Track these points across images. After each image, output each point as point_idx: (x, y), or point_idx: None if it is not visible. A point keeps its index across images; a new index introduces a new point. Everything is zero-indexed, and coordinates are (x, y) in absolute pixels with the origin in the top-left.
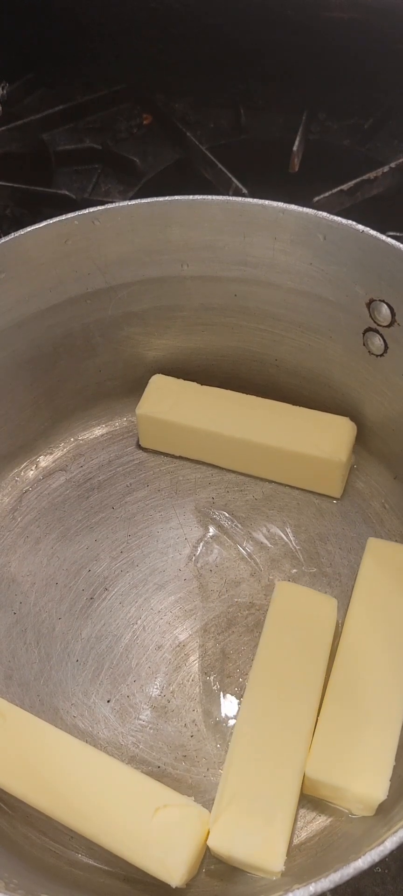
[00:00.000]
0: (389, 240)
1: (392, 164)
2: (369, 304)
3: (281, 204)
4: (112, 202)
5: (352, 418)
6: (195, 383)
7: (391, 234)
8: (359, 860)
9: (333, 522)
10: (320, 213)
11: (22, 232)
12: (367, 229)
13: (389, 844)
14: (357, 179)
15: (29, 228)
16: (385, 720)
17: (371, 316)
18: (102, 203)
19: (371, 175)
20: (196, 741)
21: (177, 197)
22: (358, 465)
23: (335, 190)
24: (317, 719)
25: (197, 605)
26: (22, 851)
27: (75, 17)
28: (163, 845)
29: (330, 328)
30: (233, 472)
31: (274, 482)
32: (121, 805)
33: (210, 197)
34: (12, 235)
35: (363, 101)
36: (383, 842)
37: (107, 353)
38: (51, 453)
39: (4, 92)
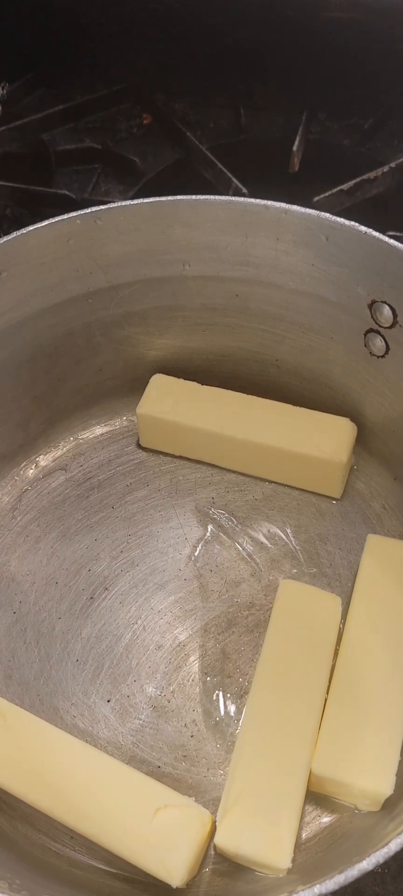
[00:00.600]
0: (391, 241)
1: (392, 164)
2: (371, 305)
3: (283, 205)
4: (112, 202)
5: (353, 419)
6: (195, 383)
7: (391, 233)
8: (363, 862)
9: (333, 523)
10: (322, 213)
11: (24, 231)
12: (370, 230)
13: (394, 846)
14: (357, 179)
15: (31, 228)
16: (389, 715)
17: (372, 317)
18: (102, 203)
19: (371, 175)
20: (196, 741)
21: (179, 197)
22: (358, 466)
23: (335, 190)
24: (322, 716)
25: (197, 605)
26: (22, 851)
27: (75, 17)
28: (163, 845)
29: (332, 329)
30: (233, 472)
31: (274, 482)
32: (122, 805)
33: (212, 197)
34: (14, 234)
35: (363, 101)
36: (387, 843)
37: (108, 352)
38: (51, 452)
39: (4, 92)
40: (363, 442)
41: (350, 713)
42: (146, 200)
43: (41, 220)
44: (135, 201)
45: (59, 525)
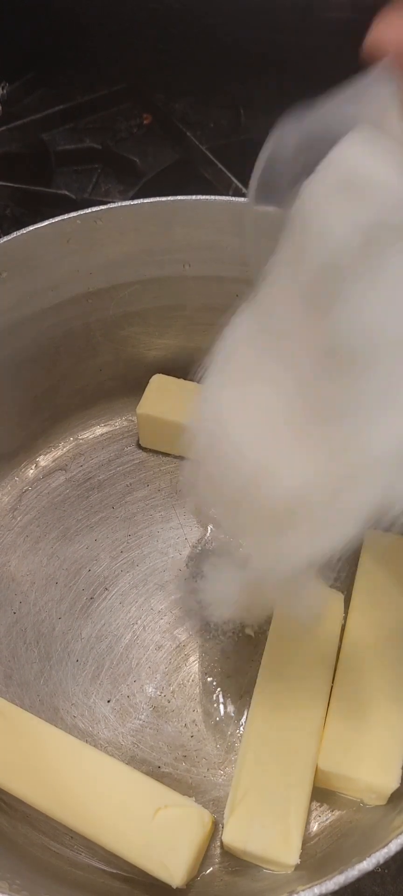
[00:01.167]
0: None
1: None
2: None
3: None
4: (112, 202)
5: None
6: (195, 383)
7: None
8: (363, 862)
9: None
10: None
11: (24, 231)
12: None
13: (393, 846)
14: None
15: (31, 228)
16: (393, 709)
17: None
18: (102, 203)
19: None
20: (196, 741)
21: (179, 197)
22: None
23: None
24: (327, 711)
25: (197, 605)
26: (22, 851)
27: (75, 17)
28: (163, 846)
29: None
30: None
31: None
32: (122, 805)
33: (213, 197)
34: (14, 234)
35: None
36: (387, 843)
37: (108, 352)
38: (51, 452)
39: (4, 92)
40: None
41: (354, 708)
42: (146, 201)
43: (41, 220)
44: (135, 201)
45: (59, 525)
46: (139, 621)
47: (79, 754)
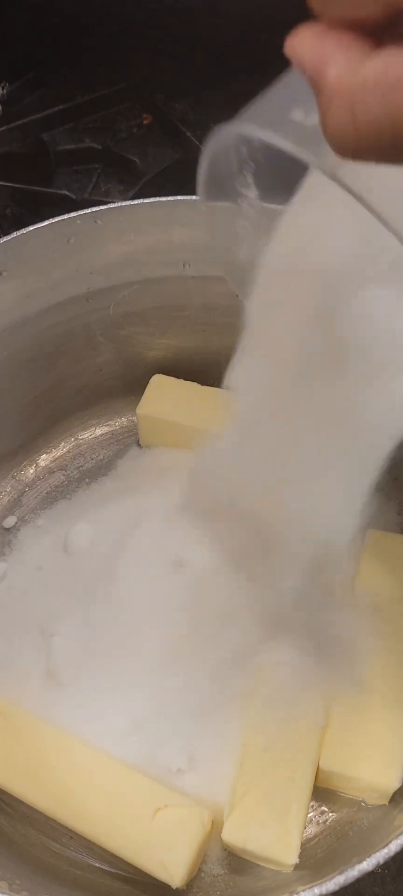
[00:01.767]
0: None
1: None
2: None
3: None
4: (112, 202)
5: None
6: (195, 383)
7: None
8: (363, 862)
9: None
10: None
11: (24, 231)
12: None
13: (393, 847)
14: None
15: (31, 227)
16: (395, 708)
17: None
18: (102, 203)
19: None
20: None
21: (179, 197)
22: None
23: None
24: (329, 711)
25: None
26: (22, 851)
27: (75, 17)
28: (163, 846)
29: None
30: None
31: None
32: (122, 805)
33: None
34: (14, 234)
35: None
36: (387, 844)
37: (108, 352)
38: (51, 452)
39: (4, 92)
40: None
41: (356, 707)
42: (146, 200)
43: (41, 220)
44: (136, 201)
45: None
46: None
47: (79, 754)
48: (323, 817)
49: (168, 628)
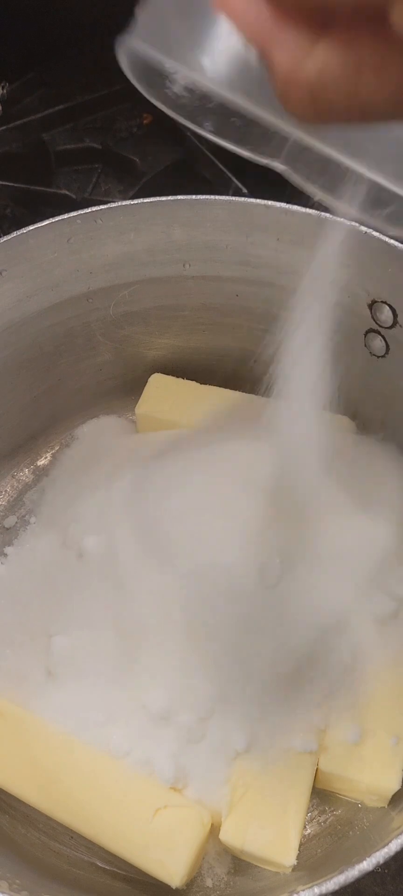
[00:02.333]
0: (392, 241)
1: None
2: (371, 305)
3: (284, 204)
4: (112, 202)
5: (352, 419)
6: (195, 382)
7: (391, 234)
8: (364, 862)
9: None
10: (323, 213)
11: (24, 231)
12: (370, 230)
13: (394, 846)
14: None
15: (31, 227)
16: (395, 710)
17: (372, 317)
18: (102, 202)
19: None
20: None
21: (179, 197)
22: None
23: None
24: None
25: None
26: (22, 851)
27: (75, 17)
28: (163, 846)
29: (332, 329)
30: None
31: None
32: (122, 806)
33: (213, 197)
34: (14, 234)
35: None
36: (387, 843)
37: (108, 352)
38: (50, 452)
39: (4, 92)
40: None
41: (355, 709)
42: (146, 200)
43: (41, 219)
44: (136, 201)
45: None
46: None
47: (80, 754)
48: (323, 817)
49: (169, 630)
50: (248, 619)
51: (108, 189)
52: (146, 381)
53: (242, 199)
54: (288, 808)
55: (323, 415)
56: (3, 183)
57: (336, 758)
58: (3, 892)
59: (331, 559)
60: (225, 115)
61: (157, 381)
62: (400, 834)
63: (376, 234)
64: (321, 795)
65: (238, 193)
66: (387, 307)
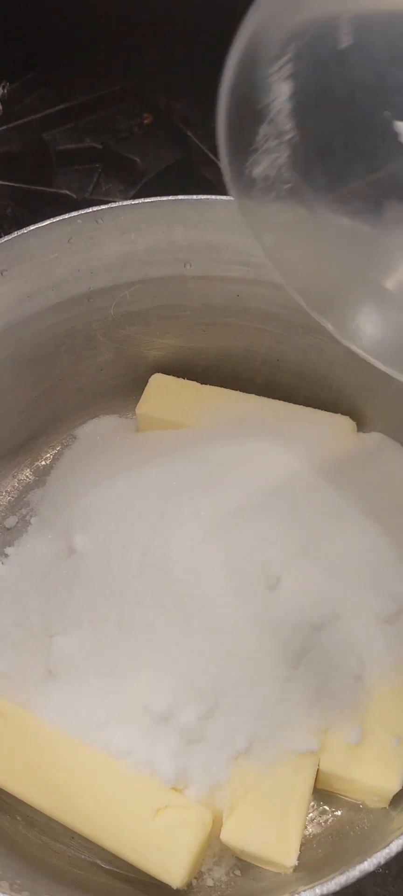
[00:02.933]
0: None
1: None
2: None
3: None
4: (112, 201)
5: (353, 419)
6: (195, 382)
7: None
8: (365, 862)
9: None
10: None
11: (24, 231)
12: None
13: (395, 847)
14: None
15: (31, 227)
16: (396, 711)
17: None
18: (103, 202)
19: None
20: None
21: (180, 197)
22: None
23: None
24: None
25: None
26: (23, 851)
27: (75, 17)
28: (163, 847)
29: None
30: None
31: None
32: (122, 806)
33: (213, 197)
34: (15, 233)
35: None
36: (388, 844)
37: (109, 352)
38: (51, 452)
39: (5, 91)
40: None
41: (356, 709)
42: (146, 200)
43: (42, 219)
44: (136, 201)
45: None
46: None
47: (80, 754)
48: (324, 817)
49: (170, 630)
50: (249, 619)
51: (109, 189)
52: (147, 381)
53: None
54: (288, 808)
55: (323, 415)
56: (4, 183)
57: (337, 758)
58: (3, 893)
59: (332, 559)
60: None
61: (158, 381)
62: (401, 834)
63: None
64: (321, 796)
65: None
66: None
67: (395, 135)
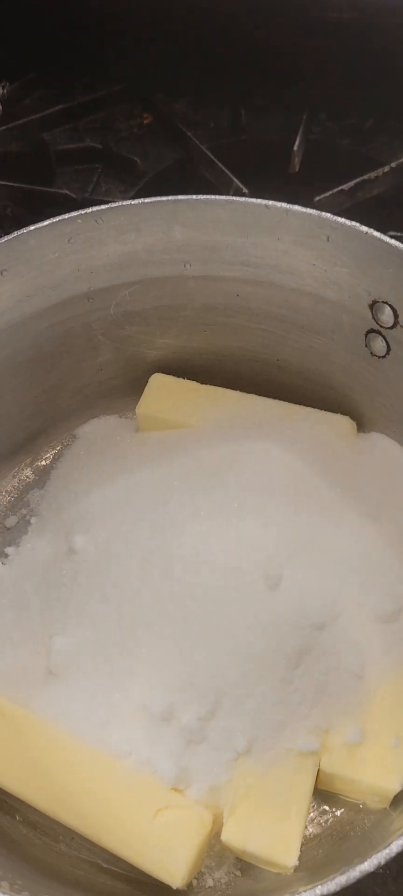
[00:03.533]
0: (393, 241)
1: (393, 164)
2: (372, 305)
3: (284, 204)
4: (112, 201)
5: (353, 419)
6: (195, 382)
7: (391, 233)
8: (365, 863)
9: None
10: (324, 214)
11: (24, 231)
12: (371, 231)
13: (395, 847)
14: (358, 179)
15: (31, 227)
16: (397, 711)
17: (373, 317)
18: (103, 202)
19: (372, 175)
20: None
21: (180, 197)
22: None
23: (335, 190)
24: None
25: None
26: (23, 852)
27: (75, 17)
28: (163, 847)
29: (333, 329)
30: None
31: None
32: (122, 806)
33: (213, 197)
34: (15, 234)
35: (363, 101)
36: (389, 844)
37: (109, 352)
38: (51, 452)
39: (5, 91)
40: None
41: (357, 710)
42: (146, 200)
43: (42, 219)
44: (136, 201)
45: None
46: None
47: (80, 754)
48: (324, 818)
49: (170, 631)
50: (249, 619)
51: (109, 189)
52: (147, 381)
53: (243, 199)
54: (289, 809)
55: (323, 415)
56: (4, 183)
57: (338, 759)
58: (4, 893)
59: (332, 559)
60: None
61: (158, 381)
62: (401, 835)
63: (377, 234)
64: (322, 796)
65: (238, 193)
66: (388, 307)
67: None
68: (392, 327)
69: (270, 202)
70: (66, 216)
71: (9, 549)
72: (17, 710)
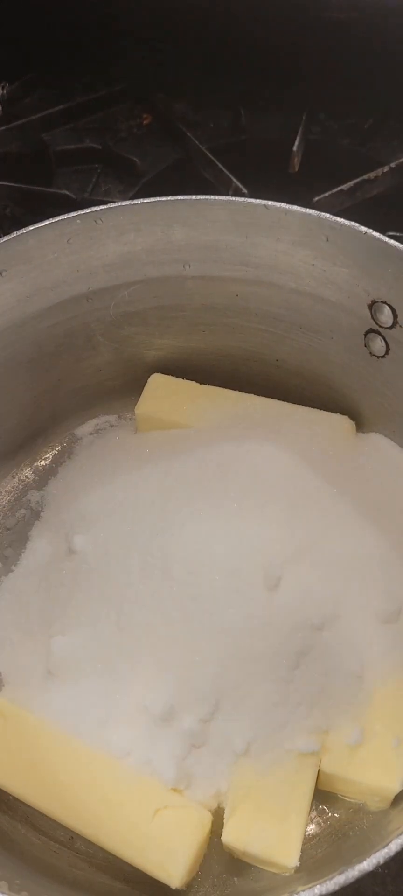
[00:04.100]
0: (392, 242)
1: (392, 164)
2: (371, 305)
3: (284, 205)
4: (112, 202)
5: (352, 419)
6: (194, 382)
7: (391, 234)
8: (364, 862)
9: None
10: (323, 214)
11: (24, 231)
12: (370, 231)
13: (394, 847)
14: (358, 179)
15: (31, 227)
16: (397, 712)
17: (372, 317)
18: (102, 203)
19: (371, 175)
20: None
21: (179, 197)
22: None
23: (335, 190)
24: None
25: None
26: (22, 852)
27: (75, 17)
28: (162, 847)
29: (332, 329)
30: None
31: None
32: (122, 806)
33: (212, 197)
34: (14, 234)
35: (363, 101)
36: (388, 844)
37: (108, 352)
38: (50, 452)
39: (4, 92)
40: None
41: (358, 710)
42: (146, 200)
43: (41, 219)
44: (135, 201)
45: None
46: None
47: (80, 754)
48: (324, 817)
49: (170, 631)
50: (249, 620)
51: (108, 189)
52: (146, 382)
53: (242, 199)
54: (290, 809)
55: (323, 415)
56: (3, 183)
57: (338, 759)
58: (3, 893)
59: (332, 560)
60: None
61: (157, 382)
62: (400, 834)
63: (376, 234)
64: (322, 796)
65: (238, 193)
66: (387, 307)
67: None
68: (391, 327)
69: (269, 202)
70: (66, 216)
71: (8, 550)
72: (17, 710)
